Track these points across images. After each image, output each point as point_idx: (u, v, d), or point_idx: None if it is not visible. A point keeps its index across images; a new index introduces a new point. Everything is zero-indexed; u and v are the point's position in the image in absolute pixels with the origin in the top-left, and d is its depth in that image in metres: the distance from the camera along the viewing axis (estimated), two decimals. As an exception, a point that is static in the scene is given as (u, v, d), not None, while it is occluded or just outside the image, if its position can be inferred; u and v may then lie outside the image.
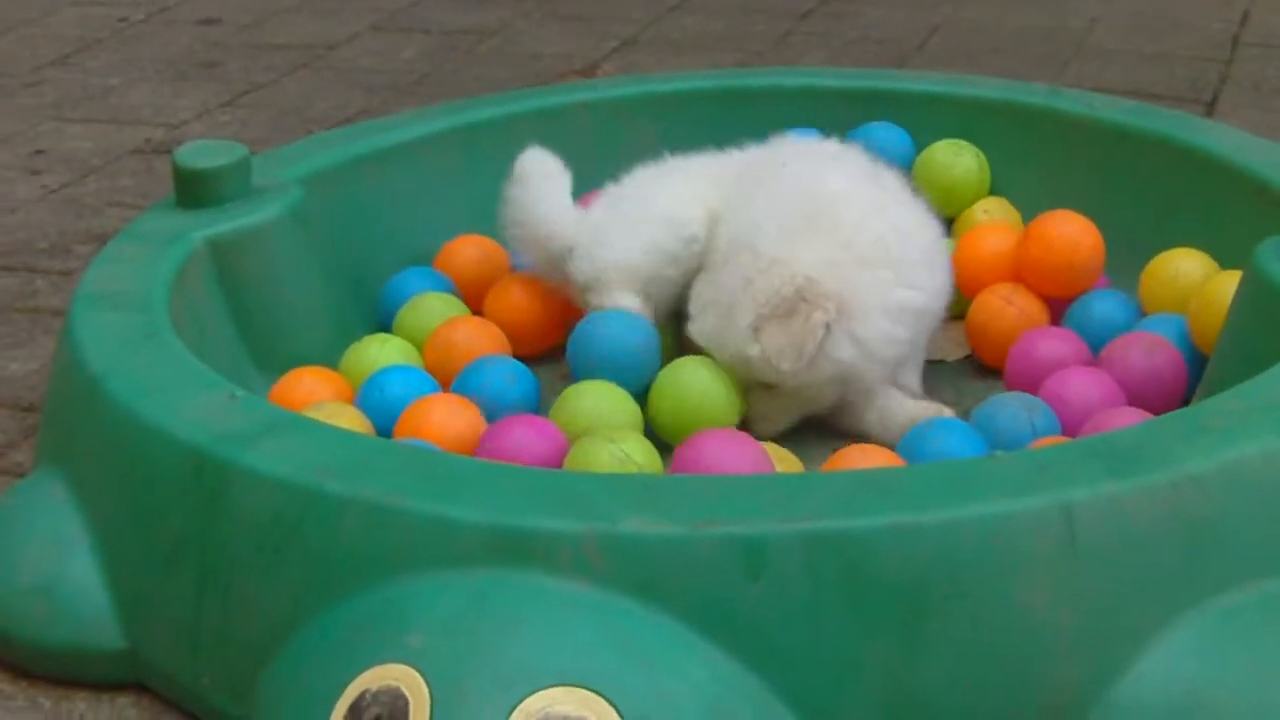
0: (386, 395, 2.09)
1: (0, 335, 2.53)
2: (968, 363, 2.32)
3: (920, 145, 2.56)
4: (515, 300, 2.31)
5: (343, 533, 1.53)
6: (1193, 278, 2.21)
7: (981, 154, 2.50)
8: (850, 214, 2.05)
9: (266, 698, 1.55)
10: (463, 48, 3.90)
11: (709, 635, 1.45)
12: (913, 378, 2.15)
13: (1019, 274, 2.26)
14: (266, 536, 1.57)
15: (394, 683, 1.44)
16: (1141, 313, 2.23)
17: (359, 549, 1.52)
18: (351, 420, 2.00)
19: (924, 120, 2.59)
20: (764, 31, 3.92)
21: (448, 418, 2.02)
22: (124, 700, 1.73)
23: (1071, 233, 2.23)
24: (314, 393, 2.10)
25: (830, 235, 2.02)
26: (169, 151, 3.20)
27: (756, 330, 1.98)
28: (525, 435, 1.92)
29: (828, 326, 1.97)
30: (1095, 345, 2.16)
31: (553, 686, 1.42)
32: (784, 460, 1.90)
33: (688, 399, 2.01)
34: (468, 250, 2.42)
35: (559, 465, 1.89)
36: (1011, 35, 3.82)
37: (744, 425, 2.05)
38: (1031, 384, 2.08)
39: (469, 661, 1.44)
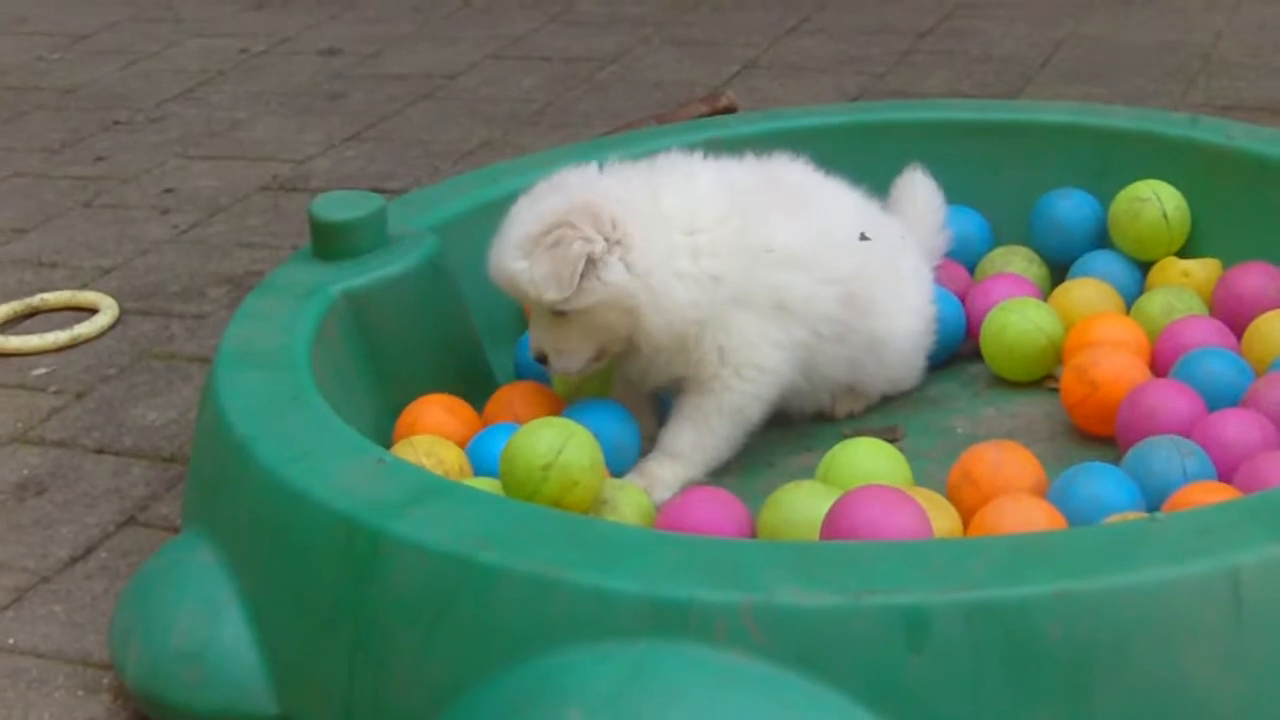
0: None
1: (138, 383, 2.55)
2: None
3: (1057, 180, 2.53)
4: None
5: (499, 604, 1.52)
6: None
7: (1178, 198, 2.44)
8: (670, 177, 2.11)
9: (424, 769, 1.55)
10: (582, 75, 3.89)
11: (870, 706, 1.44)
12: (680, 436, 2.12)
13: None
14: (421, 607, 1.56)
15: (554, 759, 1.43)
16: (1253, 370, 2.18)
17: (515, 621, 1.52)
18: (448, 453, 2.03)
19: (1057, 152, 2.55)
20: (884, 52, 3.90)
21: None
22: (277, 765, 1.74)
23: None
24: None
25: (636, 180, 2.09)
26: (296, 189, 3.24)
27: (525, 251, 2.02)
28: (710, 512, 1.88)
29: (589, 257, 1.99)
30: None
31: (714, 762, 1.41)
32: (938, 508, 1.88)
33: None
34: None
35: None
36: (1136, 51, 3.77)
37: (541, 359, 2.09)
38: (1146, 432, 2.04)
39: (629, 736, 1.43)
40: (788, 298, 2.10)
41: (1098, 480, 1.91)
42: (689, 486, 2.03)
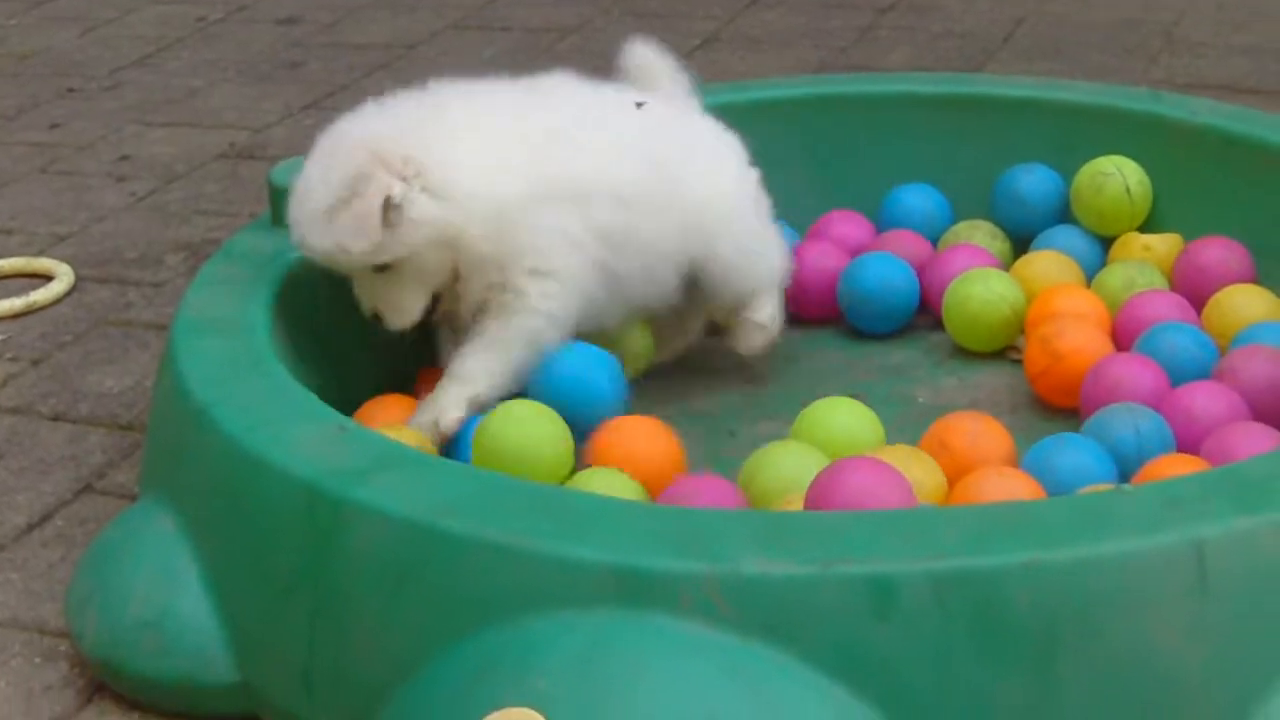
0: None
1: (95, 350, 2.53)
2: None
3: (1019, 155, 2.53)
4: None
5: (462, 572, 1.51)
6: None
7: (1140, 173, 2.44)
8: (455, 103, 2.04)
9: (385, 738, 1.54)
10: (543, 46, 3.88)
11: (836, 677, 1.43)
12: (469, 359, 2.03)
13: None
14: (382, 575, 1.55)
15: (518, 726, 1.42)
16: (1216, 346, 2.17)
17: (478, 589, 1.50)
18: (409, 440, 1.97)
19: (1018, 127, 2.55)
20: (845, 26, 3.88)
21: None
22: (237, 733, 1.73)
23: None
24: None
25: (421, 106, 2.02)
26: (253, 156, 3.21)
27: (327, 220, 1.94)
28: (706, 497, 1.83)
29: (389, 201, 1.92)
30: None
31: (679, 731, 1.40)
32: (921, 463, 1.87)
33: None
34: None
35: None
36: (1097, 28, 3.77)
37: (375, 318, 2.02)
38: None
39: (593, 705, 1.42)
40: (580, 174, 2.04)
41: (1074, 452, 1.89)
42: (676, 478, 1.95)
